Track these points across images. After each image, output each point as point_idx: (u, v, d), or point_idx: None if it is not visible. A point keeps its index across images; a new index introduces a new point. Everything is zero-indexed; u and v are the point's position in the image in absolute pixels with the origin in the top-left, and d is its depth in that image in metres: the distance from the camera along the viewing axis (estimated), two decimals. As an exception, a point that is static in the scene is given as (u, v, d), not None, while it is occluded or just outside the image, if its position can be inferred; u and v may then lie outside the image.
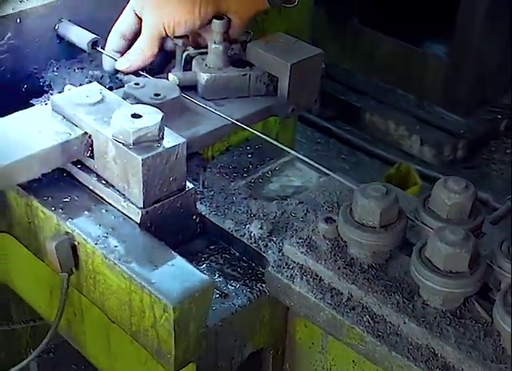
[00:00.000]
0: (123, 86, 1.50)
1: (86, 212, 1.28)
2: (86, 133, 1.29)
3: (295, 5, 1.58)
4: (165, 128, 1.28)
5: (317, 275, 1.23)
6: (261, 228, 1.34)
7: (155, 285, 1.15)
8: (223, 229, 1.37)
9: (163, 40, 1.55)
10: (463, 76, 3.85)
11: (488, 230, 1.26)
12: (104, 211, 1.29)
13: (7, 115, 1.35)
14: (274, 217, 1.38)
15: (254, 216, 1.39)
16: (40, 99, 1.57)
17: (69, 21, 1.66)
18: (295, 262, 1.25)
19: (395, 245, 1.20)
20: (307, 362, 1.35)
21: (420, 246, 1.14)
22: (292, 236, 1.29)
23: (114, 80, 1.61)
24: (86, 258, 1.24)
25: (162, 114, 1.27)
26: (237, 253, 1.37)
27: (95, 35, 1.62)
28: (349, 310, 1.18)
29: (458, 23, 3.78)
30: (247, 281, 1.31)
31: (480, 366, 1.06)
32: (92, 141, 1.29)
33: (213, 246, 1.38)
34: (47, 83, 1.63)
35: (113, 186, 1.30)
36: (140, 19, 1.55)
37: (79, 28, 1.65)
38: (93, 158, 1.31)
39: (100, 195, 1.31)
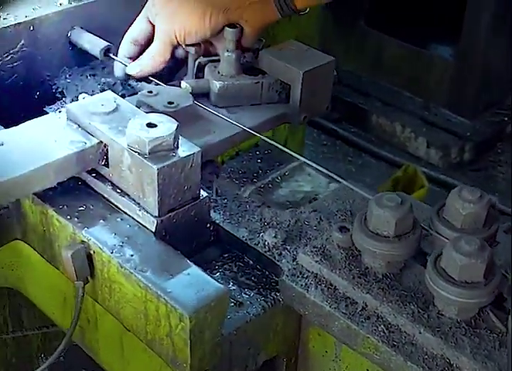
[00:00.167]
0: (135, 94, 1.51)
1: (101, 221, 1.28)
2: (101, 142, 1.30)
3: (306, 13, 1.59)
4: (180, 137, 1.28)
5: (331, 284, 1.23)
6: (275, 236, 1.34)
7: (171, 294, 1.15)
8: (237, 237, 1.37)
9: (175, 47, 1.56)
10: (470, 78, 3.86)
11: (502, 239, 1.26)
12: (119, 220, 1.29)
13: (20, 122, 1.36)
14: (288, 225, 1.38)
15: (267, 224, 1.39)
16: (53, 106, 1.58)
17: (82, 28, 1.67)
18: (309, 271, 1.26)
19: (410, 255, 1.20)
20: None
21: (435, 256, 1.15)
22: (306, 245, 1.30)
23: (126, 88, 1.62)
24: (101, 267, 1.25)
25: (177, 123, 1.28)
26: (251, 262, 1.37)
27: (108, 43, 1.63)
28: (364, 319, 1.18)
29: (464, 25, 3.78)
30: (261, 290, 1.31)
31: (496, 377, 1.07)
32: (107, 150, 1.30)
33: (226, 255, 1.39)
34: (60, 90, 1.64)
35: (128, 195, 1.30)
36: (153, 26, 1.56)
37: (91, 35, 1.66)
38: (108, 167, 1.32)
39: (116, 203, 1.32)
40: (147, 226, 1.28)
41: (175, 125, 1.27)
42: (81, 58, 1.68)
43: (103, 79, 1.63)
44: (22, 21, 1.60)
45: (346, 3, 4.16)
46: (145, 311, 1.20)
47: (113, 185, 1.32)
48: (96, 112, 1.33)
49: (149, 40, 1.56)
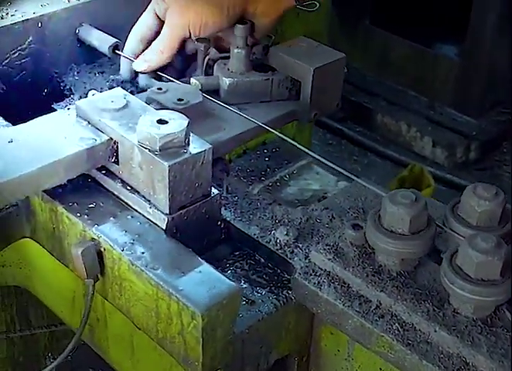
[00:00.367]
0: (144, 91, 1.50)
1: (111, 219, 1.27)
2: (111, 139, 1.29)
3: (316, 9, 1.58)
4: (191, 134, 1.27)
5: (345, 282, 1.22)
6: (286, 234, 1.33)
7: (183, 292, 1.14)
8: (248, 235, 1.36)
9: (184, 42, 1.53)
10: (475, 77, 3.84)
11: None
12: (129, 217, 1.28)
13: (28, 119, 1.35)
14: (300, 223, 1.37)
15: (279, 221, 1.38)
16: (61, 103, 1.56)
17: (90, 25, 1.66)
18: (322, 269, 1.24)
19: (424, 252, 1.19)
20: (332, 370, 1.34)
21: (450, 253, 1.14)
22: (319, 243, 1.29)
23: (134, 85, 1.60)
24: (112, 264, 1.24)
25: (188, 119, 1.27)
26: (263, 260, 1.36)
27: (116, 40, 1.62)
28: (378, 318, 1.17)
29: (470, 25, 3.77)
30: (273, 288, 1.30)
31: (513, 375, 1.06)
32: (117, 146, 1.29)
33: (238, 253, 1.37)
34: (68, 87, 1.63)
35: (138, 192, 1.29)
36: (160, 21, 1.53)
37: (100, 32, 1.64)
38: (118, 164, 1.30)
39: (126, 201, 1.31)
40: (157, 223, 1.26)
41: (187, 122, 1.26)
42: (89, 55, 1.66)
43: (111, 76, 1.62)
44: (30, 17, 1.59)
45: (351, 2, 4.15)
46: (156, 309, 1.19)
47: (123, 182, 1.31)
48: (106, 109, 1.32)
49: (156, 36, 1.54)
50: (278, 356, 1.33)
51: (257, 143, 1.72)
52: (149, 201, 1.28)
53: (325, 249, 1.25)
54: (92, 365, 2.25)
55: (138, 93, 1.52)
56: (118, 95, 1.36)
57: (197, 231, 1.31)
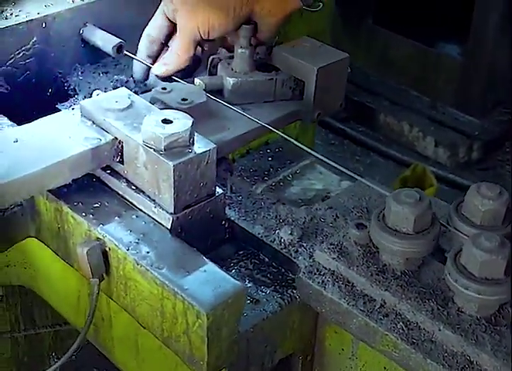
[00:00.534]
0: (149, 91, 1.50)
1: (117, 218, 1.27)
2: (116, 138, 1.29)
3: (319, 9, 1.58)
4: (195, 133, 1.28)
5: (349, 281, 1.22)
6: (290, 233, 1.33)
7: (188, 291, 1.14)
8: (252, 234, 1.36)
9: (198, 43, 1.53)
10: (477, 77, 3.84)
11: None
12: (134, 217, 1.28)
13: (32, 120, 1.35)
14: (304, 222, 1.37)
15: (283, 221, 1.38)
16: (65, 103, 1.57)
17: (94, 25, 1.66)
18: (326, 268, 1.25)
19: (428, 251, 1.19)
20: (336, 369, 1.35)
21: (455, 252, 1.14)
22: (323, 242, 1.29)
23: (138, 85, 1.61)
24: (117, 264, 1.24)
25: (193, 119, 1.27)
26: (267, 259, 1.36)
27: (120, 40, 1.62)
28: (383, 317, 1.17)
29: (472, 25, 3.77)
30: (278, 287, 1.30)
31: (517, 374, 1.06)
32: (122, 146, 1.29)
33: (242, 252, 1.38)
34: (72, 87, 1.64)
35: (143, 192, 1.29)
36: (171, 22, 1.53)
37: (104, 32, 1.65)
38: (123, 164, 1.31)
39: (131, 200, 1.31)
40: (162, 222, 1.27)
41: (191, 121, 1.26)
42: (93, 55, 1.67)
43: (115, 76, 1.63)
44: (34, 18, 1.59)
45: (354, 2, 4.15)
46: (161, 308, 1.19)
47: (128, 181, 1.31)
48: (110, 108, 1.32)
49: (168, 37, 1.53)
50: (282, 355, 1.33)
51: (260, 143, 1.73)
52: (154, 200, 1.28)
53: (329, 248, 1.25)
54: (96, 365, 2.26)
55: (143, 93, 1.52)
56: (123, 95, 1.36)
57: (202, 231, 1.31)
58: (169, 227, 1.26)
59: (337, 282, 1.23)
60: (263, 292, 1.30)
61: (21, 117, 1.40)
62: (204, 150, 1.26)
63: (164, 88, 1.44)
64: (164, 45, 1.54)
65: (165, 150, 1.23)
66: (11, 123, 1.43)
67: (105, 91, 1.51)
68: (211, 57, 1.55)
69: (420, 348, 1.13)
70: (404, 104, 4.03)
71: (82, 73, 1.65)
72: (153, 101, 1.41)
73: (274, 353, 1.31)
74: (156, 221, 1.27)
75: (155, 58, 1.54)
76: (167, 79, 1.53)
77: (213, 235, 1.35)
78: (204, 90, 1.48)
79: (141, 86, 1.59)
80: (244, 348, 1.24)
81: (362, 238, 1.24)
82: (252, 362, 1.27)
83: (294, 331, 1.32)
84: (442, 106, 3.98)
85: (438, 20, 3.96)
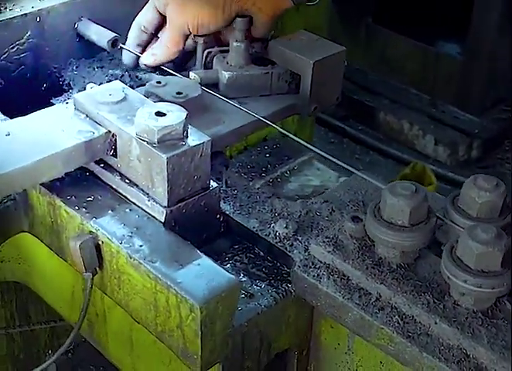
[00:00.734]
0: (144, 85, 1.49)
1: (110, 212, 1.26)
2: (109, 131, 1.28)
3: (316, 3, 1.57)
4: (189, 126, 1.26)
5: (344, 275, 1.21)
6: (286, 227, 1.32)
7: (182, 285, 1.13)
8: (247, 228, 1.35)
9: (187, 37, 1.53)
10: (477, 75, 3.83)
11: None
12: (127, 210, 1.27)
13: (27, 114, 1.34)
14: (299, 216, 1.36)
15: (278, 215, 1.37)
16: (60, 98, 1.56)
17: (89, 19, 1.65)
18: (321, 262, 1.24)
19: (424, 244, 1.18)
20: (332, 363, 1.34)
21: (451, 245, 1.13)
22: (318, 236, 1.28)
23: (134, 79, 1.60)
24: (110, 258, 1.23)
25: (187, 111, 1.26)
26: (262, 253, 1.35)
27: (115, 34, 1.61)
28: (378, 310, 1.16)
29: (472, 23, 3.76)
30: (273, 281, 1.29)
31: (514, 367, 1.05)
32: (115, 139, 1.28)
33: (237, 246, 1.37)
34: (67, 82, 1.62)
35: (136, 185, 1.28)
36: (161, 16, 1.53)
37: (99, 26, 1.64)
38: (116, 157, 1.30)
39: (124, 194, 1.30)
40: (156, 216, 1.26)
41: (185, 114, 1.25)
42: (88, 49, 1.66)
43: (110, 71, 1.62)
44: (28, 12, 1.58)
45: (353, 0, 4.14)
46: (154, 302, 1.18)
47: (121, 175, 1.30)
48: (104, 102, 1.31)
49: (158, 29, 1.54)
50: (278, 350, 1.32)
51: (258, 139, 1.72)
52: (148, 194, 1.27)
53: (324, 241, 1.24)
54: (93, 363, 2.24)
55: (138, 87, 1.51)
56: (116, 88, 1.35)
57: (196, 224, 1.30)
58: (163, 221, 1.25)
59: (332, 276, 1.21)
60: (258, 286, 1.28)
61: (15, 111, 1.38)
62: (198, 142, 1.25)
63: (159, 82, 1.43)
64: (154, 35, 1.54)
65: (158, 142, 1.22)
66: (5, 117, 1.42)
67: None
68: (206, 51, 1.54)
69: (416, 341, 1.12)
70: (404, 103, 4.02)
71: (77, 67, 1.64)
72: (148, 95, 1.40)
73: (270, 348, 1.30)
74: (150, 214, 1.26)
75: (144, 47, 1.55)
76: (157, 69, 1.52)
77: (207, 229, 1.33)
78: (200, 83, 1.47)
79: (137, 81, 1.58)
80: (239, 342, 1.23)
81: (357, 231, 1.23)
82: (247, 357, 1.26)
83: (289, 326, 1.31)
84: (442, 104, 3.97)
85: (438, 19, 3.95)
